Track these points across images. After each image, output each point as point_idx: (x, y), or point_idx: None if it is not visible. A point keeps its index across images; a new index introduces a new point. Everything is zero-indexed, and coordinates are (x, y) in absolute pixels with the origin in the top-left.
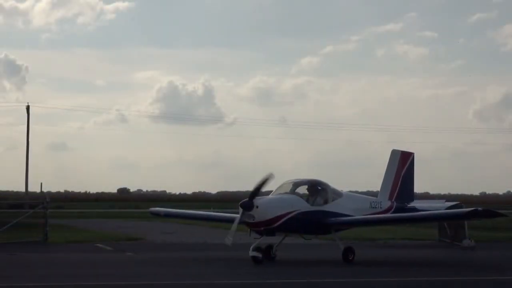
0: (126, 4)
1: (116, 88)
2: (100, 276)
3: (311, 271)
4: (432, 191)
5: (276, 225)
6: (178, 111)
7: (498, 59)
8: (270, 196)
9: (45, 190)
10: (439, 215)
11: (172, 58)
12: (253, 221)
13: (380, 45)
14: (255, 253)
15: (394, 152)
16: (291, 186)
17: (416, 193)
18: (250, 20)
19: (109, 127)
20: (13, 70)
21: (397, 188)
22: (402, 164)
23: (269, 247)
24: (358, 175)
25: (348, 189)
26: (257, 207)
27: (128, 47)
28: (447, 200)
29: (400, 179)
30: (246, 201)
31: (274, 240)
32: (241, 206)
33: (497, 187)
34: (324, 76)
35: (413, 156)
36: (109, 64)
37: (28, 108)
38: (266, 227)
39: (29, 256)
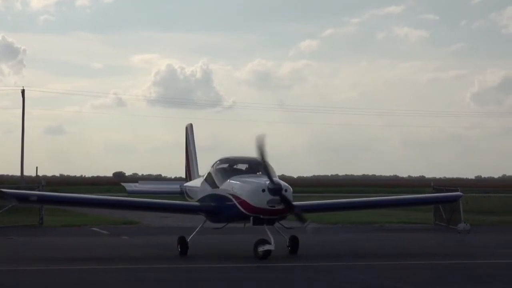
0: None
1: (114, 71)
2: (96, 259)
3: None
4: (428, 174)
5: (288, 213)
6: (176, 94)
7: (499, 41)
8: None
9: (40, 174)
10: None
11: (170, 41)
12: (279, 208)
13: (380, 28)
14: (272, 246)
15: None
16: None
17: (411, 176)
18: (249, 3)
19: (107, 110)
20: (10, 53)
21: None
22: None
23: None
24: (356, 159)
25: (344, 173)
26: (285, 190)
27: (126, 30)
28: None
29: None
30: (278, 184)
31: None
32: (273, 189)
33: (493, 170)
34: (323, 60)
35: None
36: (107, 47)
37: (23, 92)
38: (284, 215)
39: (25, 240)
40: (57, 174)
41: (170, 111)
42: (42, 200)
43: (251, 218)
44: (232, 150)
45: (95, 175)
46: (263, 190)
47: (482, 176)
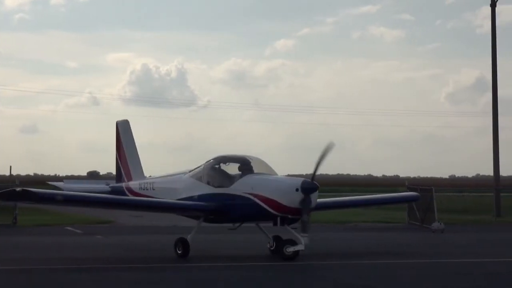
0: None
1: (89, 70)
2: (69, 259)
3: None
4: (402, 174)
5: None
6: (151, 93)
7: (474, 41)
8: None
9: (14, 173)
10: None
11: (145, 40)
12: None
13: (356, 28)
14: (303, 247)
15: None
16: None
17: (386, 176)
18: (225, 2)
19: (81, 109)
20: None
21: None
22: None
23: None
24: (331, 158)
25: (318, 173)
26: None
27: (101, 29)
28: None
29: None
30: (313, 182)
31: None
32: (308, 188)
33: (467, 170)
34: (298, 59)
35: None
36: (82, 46)
37: None
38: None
39: None
40: (31, 173)
41: (145, 110)
42: (67, 200)
43: (279, 217)
44: (207, 149)
45: (69, 174)
46: (297, 190)
47: (456, 176)
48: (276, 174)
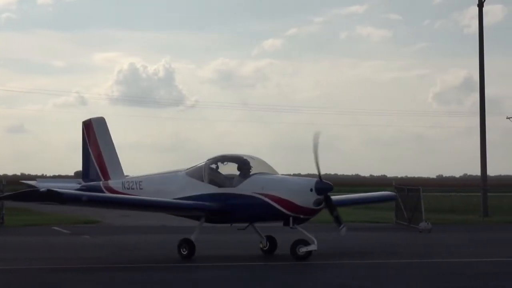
0: None
1: (76, 69)
2: (57, 259)
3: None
4: (390, 173)
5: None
6: (139, 93)
7: (461, 41)
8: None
9: (1, 173)
10: None
11: (133, 39)
12: (320, 207)
13: (343, 27)
14: (315, 247)
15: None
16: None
17: (373, 175)
18: (212, 1)
19: (69, 109)
20: None
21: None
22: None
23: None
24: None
25: (306, 173)
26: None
27: (88, 28)
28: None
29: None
30: (327, 182)
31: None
32: (322, 188)
33: (455, 170)
34: (286, 59)
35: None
36: (69, 45)
37: None
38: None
39: None
40: (18, 173)
41: (133, 110)
42: (92, 201)
43: (291, 217)
44: (195, 149)
45: (56, 174)
46: (311, 190)
47: (444, 175)
48: (278, 174)
